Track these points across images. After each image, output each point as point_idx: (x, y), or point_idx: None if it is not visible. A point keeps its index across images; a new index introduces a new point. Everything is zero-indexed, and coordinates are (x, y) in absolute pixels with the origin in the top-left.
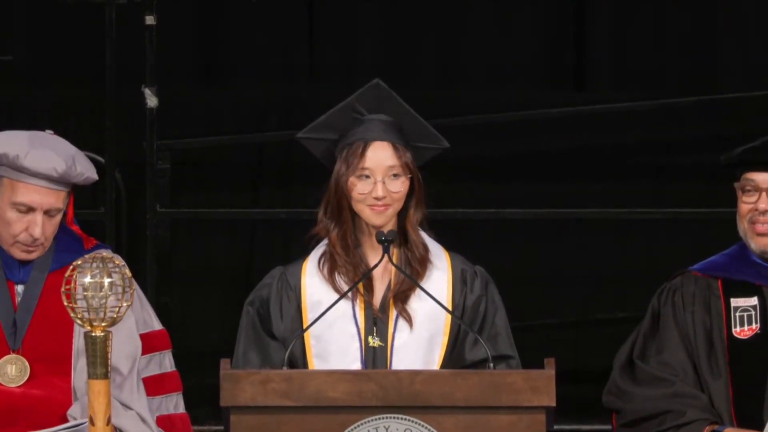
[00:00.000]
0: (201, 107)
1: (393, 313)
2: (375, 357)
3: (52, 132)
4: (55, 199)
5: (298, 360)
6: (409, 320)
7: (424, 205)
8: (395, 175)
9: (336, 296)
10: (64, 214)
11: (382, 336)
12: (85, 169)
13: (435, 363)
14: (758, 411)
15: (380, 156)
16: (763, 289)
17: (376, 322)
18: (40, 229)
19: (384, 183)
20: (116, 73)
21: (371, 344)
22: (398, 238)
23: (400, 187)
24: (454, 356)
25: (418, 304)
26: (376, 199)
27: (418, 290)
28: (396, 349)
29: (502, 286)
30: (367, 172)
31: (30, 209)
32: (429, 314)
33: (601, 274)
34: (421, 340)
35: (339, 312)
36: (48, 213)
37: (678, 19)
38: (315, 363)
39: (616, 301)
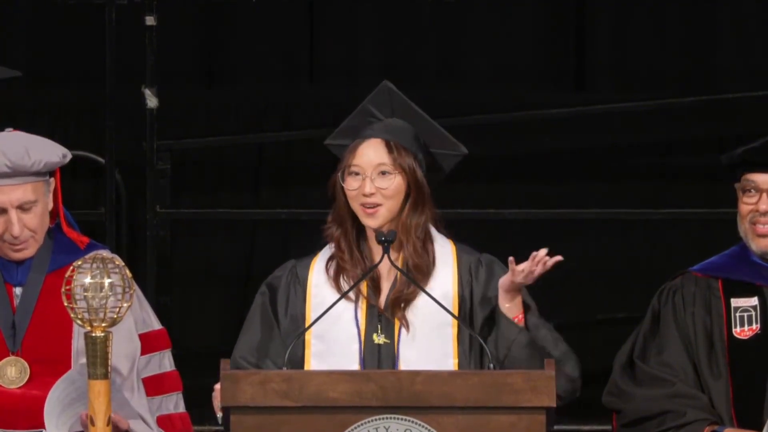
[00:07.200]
0: (201, 107)
1: (398, 308)
2: (380, 354)
3: (11, 129)
4: (23, 192)
5: (296, 357)
6: (407, 326)
7: (429, 208)
8: (384, 173)
9: (339, 296)
10: (59, 214)
11: (388, 333)
12: (42, 156)
13: (449, 356)
14: (758, 411)
15: (371, 153)
16: (763, 290)
17: (381, 319)
18: (18, 226)
19: (372, 180)
20: (116, 73)
21: (376, 341)
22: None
23: (388, 184)
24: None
25: (423, 297)
26: (365, 196)
27: (423, 284)
28: (402, 345)
29: None
30: (356, 169)
31: (1, 210)
32: (435, 307)
33: (601, 274)
34: (428, 334)
35: (340, 314)
36: (21, 208)
37: (678, 19)
38: (313, 363)
39: (616, 301)
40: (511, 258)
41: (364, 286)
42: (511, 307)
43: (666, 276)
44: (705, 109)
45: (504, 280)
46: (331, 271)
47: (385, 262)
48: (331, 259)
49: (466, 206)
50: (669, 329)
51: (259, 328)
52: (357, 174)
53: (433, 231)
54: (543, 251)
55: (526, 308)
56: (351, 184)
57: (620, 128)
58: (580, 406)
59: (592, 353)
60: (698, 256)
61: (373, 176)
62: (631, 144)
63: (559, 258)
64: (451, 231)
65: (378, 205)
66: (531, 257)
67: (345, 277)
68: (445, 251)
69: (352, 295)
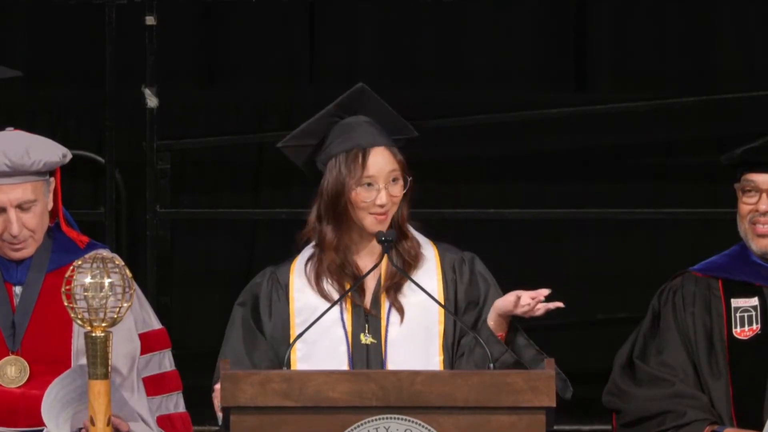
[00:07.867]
0: (201, 107)
1: (385, 308)
2: (368, 354)
3: (11, 129)
4: (22, 192)
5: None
6: (401, 311)
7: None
8: (395, 180)
9: (322, 299)
10: (59, 214)
11: (375, 332)
12: (42, 156)
13: (435, 354)
14: (758, 411)
15: (381, 162)
16: (763, 290)
17: (368, 320)
18: (17, 225)
19: (387, 189)
20: (116, 73)
21: (363, 342)
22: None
23: (399, 191)
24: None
25: (410, 296)
26: (380, 206)
27: (409, 284)
28: (390, 344)
29: (502, 286)
30: (370, 180)
31: (1, 209)
32: (421, 306)
33: (601, 274)
34: (415, 332)
35: (326, 316)
36: (21, 207)
37: (678, 20)
38: (299, 367)
39: (616, 301)
40: (516, 292)
41: (347, 287)
42: (497, 328)
43: (666, 276)
44: (705, 109)
45: (503, 308)
46: (312, 274)
47: (368, 261)
48: (309, 262)
49: (467, 206)
50: (669, 329)
51: (242, 340)
52: (370, 185)
53: (412, 230)
54: (544, 291)
55: (514, 328)
56: (365, 196)
57: (620, 128)
58: (580, 406)
59: (592, 353)
60: (698, 256)
61: (387, 186)
62: (631, 144)
63: (559, 304)
64: (450, 231)
65: (389, 210)
66: (534, 296)
67: (328, 279)
68: (426, 251)
69: (335, 296)
